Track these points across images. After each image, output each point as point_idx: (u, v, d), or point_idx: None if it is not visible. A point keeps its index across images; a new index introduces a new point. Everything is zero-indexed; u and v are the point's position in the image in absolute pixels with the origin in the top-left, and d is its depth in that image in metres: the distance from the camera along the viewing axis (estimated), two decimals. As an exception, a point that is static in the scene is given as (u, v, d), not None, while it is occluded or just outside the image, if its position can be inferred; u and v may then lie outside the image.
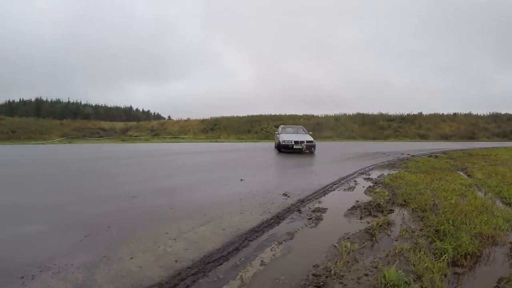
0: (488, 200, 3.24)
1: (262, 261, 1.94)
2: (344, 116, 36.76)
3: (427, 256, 1.80)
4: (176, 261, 1.91)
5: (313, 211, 2.96)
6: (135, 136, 35.17)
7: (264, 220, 2.67)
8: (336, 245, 2.06)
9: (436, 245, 1.98)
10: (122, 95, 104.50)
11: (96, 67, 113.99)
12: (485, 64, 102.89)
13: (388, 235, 2.24)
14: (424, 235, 2.23)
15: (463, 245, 1.93)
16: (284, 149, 10.80)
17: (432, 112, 35.70)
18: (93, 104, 65.69)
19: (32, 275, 1.72)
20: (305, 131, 12.57)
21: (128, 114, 65.86)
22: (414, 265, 1.70)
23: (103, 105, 66.72)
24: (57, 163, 9.01)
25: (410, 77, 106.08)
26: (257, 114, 39.48)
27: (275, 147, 11.81)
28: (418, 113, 35.74)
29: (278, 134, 12.17)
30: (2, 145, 24.83)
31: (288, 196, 3.53)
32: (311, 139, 11.06)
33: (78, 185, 4.94)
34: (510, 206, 3.11)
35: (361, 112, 36.99)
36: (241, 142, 29.80)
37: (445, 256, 1.79)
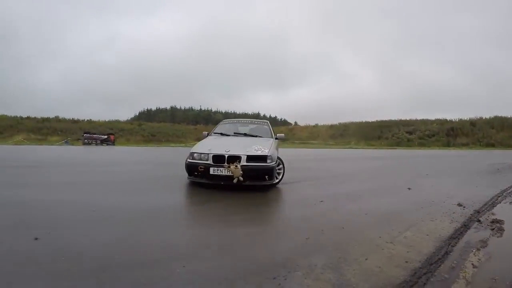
0: None
1: (472, 264, 2.16)
2: (480, 120, 32.77)
3: None
4: (406, 262, 2.08)
5: (492, 222, 3.54)
6: (265, 141, 38.98)
7: (456, 228, 3.09)
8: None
9: None
10: (248, 102, 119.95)
11: (224, 78, 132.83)
12: None
13: None
14: None
15: None
16: (191, 173, 5.04)
17: None
18: (223, 111, 76.11)
19: (284, 276, 1.77)
20: (270, 131, 6.57)
21: (256, 120, 72.32)
22: None
23: (232, 112, 76.32)
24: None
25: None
26: (386, 119, 38.72)
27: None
28: None
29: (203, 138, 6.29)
30: (146, 146, 29.66)
31: (464, 207, 4.10)
32: (267, 151, 4.91)
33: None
34: None
35: (499, 115, 32.19)
36: (373, 148, 29.24)
37: None
